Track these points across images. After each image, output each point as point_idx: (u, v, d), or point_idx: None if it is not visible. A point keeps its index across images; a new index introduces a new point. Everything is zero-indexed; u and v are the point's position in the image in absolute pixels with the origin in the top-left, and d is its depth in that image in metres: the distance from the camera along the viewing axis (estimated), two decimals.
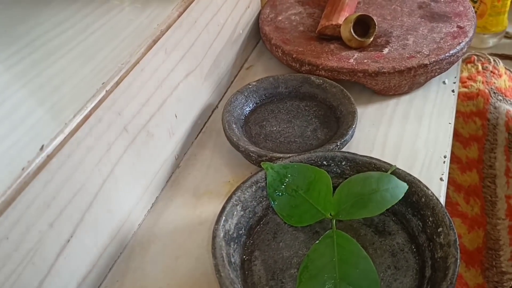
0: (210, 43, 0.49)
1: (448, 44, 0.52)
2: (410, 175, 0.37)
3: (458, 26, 0.55)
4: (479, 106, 0.71)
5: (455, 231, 0.34)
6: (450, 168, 0.53)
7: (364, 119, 0.50)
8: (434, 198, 0.35)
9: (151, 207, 0.43)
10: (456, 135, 0.67)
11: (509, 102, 0.70)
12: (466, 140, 0.66)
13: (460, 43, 0.52)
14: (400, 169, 0.38)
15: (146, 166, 0.41)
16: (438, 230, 0.34)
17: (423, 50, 0.51)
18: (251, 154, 0.43)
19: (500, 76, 0.75)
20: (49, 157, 0.29)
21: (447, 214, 0.35)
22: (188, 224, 0.42)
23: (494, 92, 0.72)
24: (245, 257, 0.37)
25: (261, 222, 0.39)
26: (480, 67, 0.76)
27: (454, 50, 0.51)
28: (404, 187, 0.36)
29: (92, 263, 0.36)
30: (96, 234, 0.36)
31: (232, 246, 0.36)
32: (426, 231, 0.35)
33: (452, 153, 0.57)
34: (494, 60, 0.78)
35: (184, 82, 0.45)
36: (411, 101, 0.52)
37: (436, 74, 0.52)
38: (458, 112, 0.60)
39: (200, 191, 0.44)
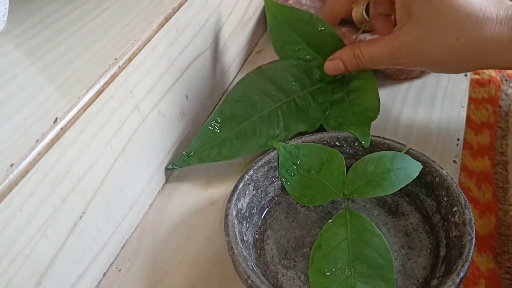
0: (220, 25, 0.49)
1: None
2: (424, 155, 0.37)
3: None
4: (490, 93, 0.70)
5: (470, 210, 0.33)
6: (461, 153, 0.53)
7: None
8: (449, 177, 0.35)
9: (162, 188, 0.43)
10: (468, 121, 0.66)
11: None
12: (478, 126, 0.65)
13: None
14: (414, 149, 0.37)
15: (158, 146, 0.41)
16: (453, 210, 0.34)
17: None
18: None
19: None
20: (63, 130, 0.28)
21: (462, 193, 0.34)
22: (199, 205, 0.41)
23: (506, 79, 0.72)
24: (258, 236, 0.37)
25: (273, 202, 0.39)
26: None
27: None
28: (418, 166, 0.36)
29: (104, 241, 0.36)
30: (108, 212, 0.36)
31: (244, 224, 0.35)
32: (440, 211, 0.35)
33: (464, 139, 0.56)
34: None
35: (195, 63, 0.44)
36: (423, 85, 0.52)
37: None
38: (469, 98, 0.59)
39: (210, 172, 0.44)
